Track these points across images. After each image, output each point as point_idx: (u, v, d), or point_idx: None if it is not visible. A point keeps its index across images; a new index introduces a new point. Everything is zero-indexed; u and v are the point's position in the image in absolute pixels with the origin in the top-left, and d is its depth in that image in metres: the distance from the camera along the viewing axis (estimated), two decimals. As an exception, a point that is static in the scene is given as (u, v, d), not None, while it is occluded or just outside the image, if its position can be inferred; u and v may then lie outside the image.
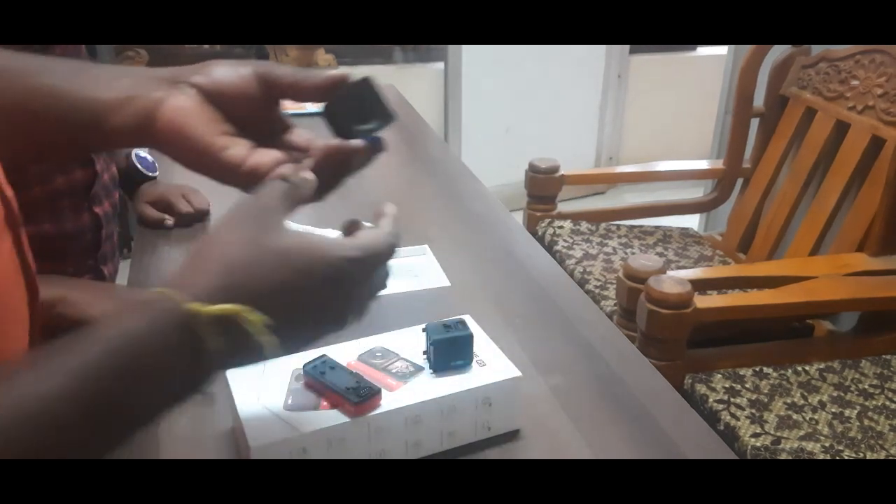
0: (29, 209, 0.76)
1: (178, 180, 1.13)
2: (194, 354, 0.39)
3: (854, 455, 1.07)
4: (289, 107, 0.61)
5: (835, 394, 1.20)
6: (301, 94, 0.55)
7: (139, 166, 1.08)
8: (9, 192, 0.46)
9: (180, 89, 0.52)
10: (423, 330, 0.65)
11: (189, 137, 0.50)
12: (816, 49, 1.69)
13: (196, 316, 0.38)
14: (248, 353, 0.41)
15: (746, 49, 1.75)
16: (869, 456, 1.07)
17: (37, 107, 0.49)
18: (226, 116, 0.52)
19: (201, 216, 1.05)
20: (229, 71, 0.53)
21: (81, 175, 0.84)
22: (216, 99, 0.52)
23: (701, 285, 1.33)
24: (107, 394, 0.37)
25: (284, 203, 0.47)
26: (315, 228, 0.93)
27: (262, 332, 0.40)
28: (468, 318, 0.68)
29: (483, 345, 0.67)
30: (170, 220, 1.03)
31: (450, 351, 0.64)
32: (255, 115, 0.55)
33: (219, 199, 1.09)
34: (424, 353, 0.65)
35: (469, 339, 0.64)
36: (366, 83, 0.54)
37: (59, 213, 0.82)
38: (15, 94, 0.49)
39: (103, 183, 0.87)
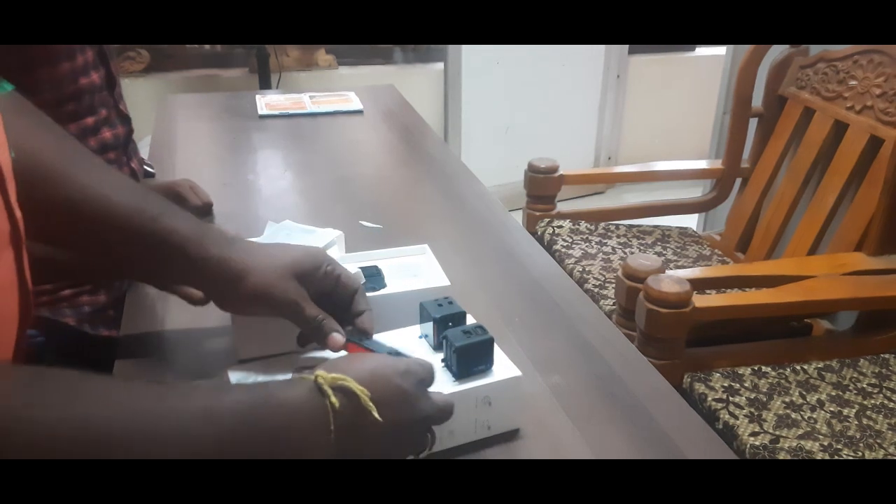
0: None
1: (175, 177, 1.13)
2: (321, 409, 0.50)
3: (853, 454, 1.07)
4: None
5: (833, 393, 1.20)
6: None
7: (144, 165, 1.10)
8: (18, 213, 0.49)
9: None
10: (443, 338, 0.64)
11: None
12: (815, 49, 1.69)
13: (320, 377, 0.51)
14: (360, 415, 0.51)
15: (745, 49, 1.75)
16: (867, 455, 1.07)
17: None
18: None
19: (208, 209, 1.06)
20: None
21: (122, 130, 0.92)
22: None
23: (700, 285, 1.33)
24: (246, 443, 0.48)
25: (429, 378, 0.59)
26: (316, 228, 0.94)
27: (367, 399, 0.51)
28: (469, 318, 0.69)
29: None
30: None
31: (472, 357, 0.63)
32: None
33: (216, 195, 1.10)
34: (444, 361, 0.65)
35: (490, 343, 0.64)
36: None
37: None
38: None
39: (132, 141, 0.96)
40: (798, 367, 1.26)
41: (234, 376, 0.65)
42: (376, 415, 0.51)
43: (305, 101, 1.66)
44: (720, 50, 2.65)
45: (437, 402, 0.57)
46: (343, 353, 0.63)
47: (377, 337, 0.67)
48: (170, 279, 0.68)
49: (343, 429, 0.51)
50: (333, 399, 0.50)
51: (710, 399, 1.17)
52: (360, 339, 0.65)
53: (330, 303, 0.66)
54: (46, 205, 0.58)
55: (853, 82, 1.55)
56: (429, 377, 0.58)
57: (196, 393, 0.50)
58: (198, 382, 0.53)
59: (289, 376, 0.63)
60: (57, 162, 0.61)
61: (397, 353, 0.64)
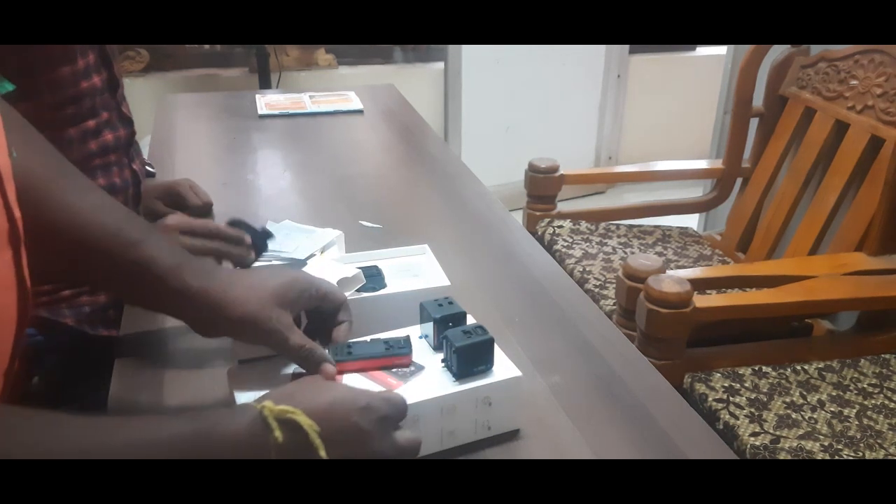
0: (85, 164, 0.85)
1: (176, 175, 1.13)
2: (263, 442, 0.48)
3: (853, 454, 1.07)
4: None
5: (834, 393, 1.20)
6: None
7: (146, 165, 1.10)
8: (17, 212, 0.49)
9: None
10: (443, 338, 0.64)
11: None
12: (815, 49, 1.69)
13: (267, 408, 0.49)
14: (306, 451, 0.49)
15: (746, 49, 1.75)
16: (868, 455, 1.07)
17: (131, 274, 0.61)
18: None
19: (207, 209, 1.06)
20: None
21: (124, 133, 0.93)
22: None
23: (700, 285, 1.33)
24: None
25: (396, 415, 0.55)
26: (315, 228, 0.94)
27: (315, 436, 0.49)
28: (469, 318, 0.69)
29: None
30: None
31: (473, 357, 0.63)
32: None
33: (216, 194, 1.10)
34: (444, 361, 0.65)
35: (491, 343, 0.64)
36: None
37: (108, 168, 0.90)
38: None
39: (134, 142, 0.98)
40: (798, 368, 1.26)
41: (234, 376, 0.65)
42: (322, 453, 0.49)
43: (305, 101, 1.66)
44: (721, 50, 2.65)
45: (398, 443, 0.54)
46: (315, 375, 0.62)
47: (370, 337, 0.67)
48: (149, 307, 0.66)
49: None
50: (277, 433, 0.48)
51: (710, 399, 1.17)
52: (345, 354, 0.64)
53: (319, 318, 0.66)
54: (29, 226, 0.57)
55: (854, 82, 1.55)
56: (395, 413, 0.54)
57: (131, 426, 0.48)
58: (140, 417, 0.50)
59: (286, 379, 0.63)
60: (42, 182, 0.59)
61: (388, 347, 0.64)
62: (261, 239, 0.84)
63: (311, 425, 0.49)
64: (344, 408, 0.51)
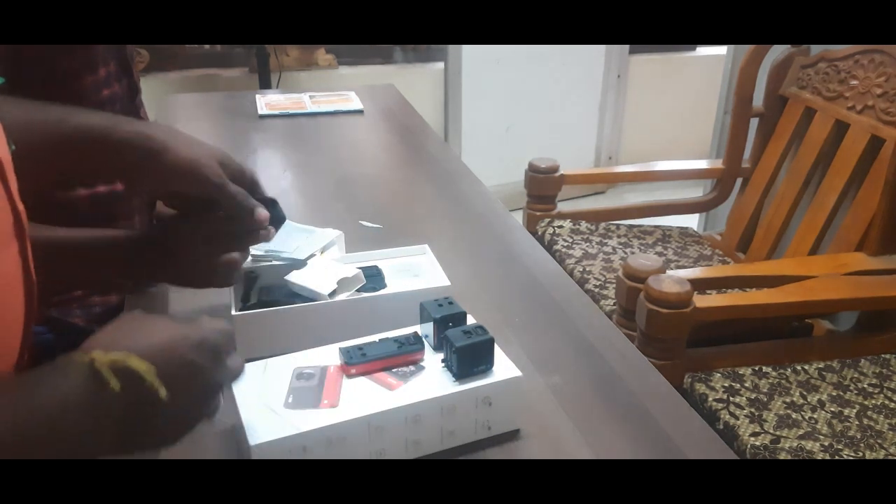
0: None
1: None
2: (99, 396, 0.44)
3: (853, 454, 1.07)
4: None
5: (834, 393, 1.20)
6: None
7: None
8: (20, 206, 0.49)
9: None
10: (443, 338, 0.64)
11: None
12: (816, 49, 1.69)
13: (97, 359, 0.45)
14: (144, 394, 0.46)
15: (746, 49, 1.75)
16: (868, 455, 1.07)
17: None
18: None
19: None
20: None
21: None
22: None
23: (700, 285, 1.33)
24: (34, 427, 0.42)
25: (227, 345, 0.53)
26: (316, 228, 0.93)
27: (153, 377, 0.46)
28: (469, 318, 0.69)
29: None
30: None
31: (472, 357, 0.63)
32: None
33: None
34: (444, 361, 0.65)
35: (491, 343, 0.64)
36: None
37: None
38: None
39: None
40: (799, 368, 1.26)
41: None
42: (163, 393, 0.46)
43: (305, 101, 1.66)
44: (721, 50, 2.65)
45: (230, 370, 0.53)
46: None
47: (378, 337, 0.67)
48: (96, 175, 0.68)
49: (126, 411, 0.46)
50: (113, 383, 0.45)
51: (710, 399, 1.17)
52: (359, 356, 0.64)
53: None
54: None
55: (854, 82, 1.55)
56: (227, 343, 0.53)
57: None
58: None
59: (291, 377, 0.63)
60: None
61: (400, 345, 0.65)
62: (274, 209, 0.82)
63: (147, 368, 0.46)
64: (179, 345, 0.49)
